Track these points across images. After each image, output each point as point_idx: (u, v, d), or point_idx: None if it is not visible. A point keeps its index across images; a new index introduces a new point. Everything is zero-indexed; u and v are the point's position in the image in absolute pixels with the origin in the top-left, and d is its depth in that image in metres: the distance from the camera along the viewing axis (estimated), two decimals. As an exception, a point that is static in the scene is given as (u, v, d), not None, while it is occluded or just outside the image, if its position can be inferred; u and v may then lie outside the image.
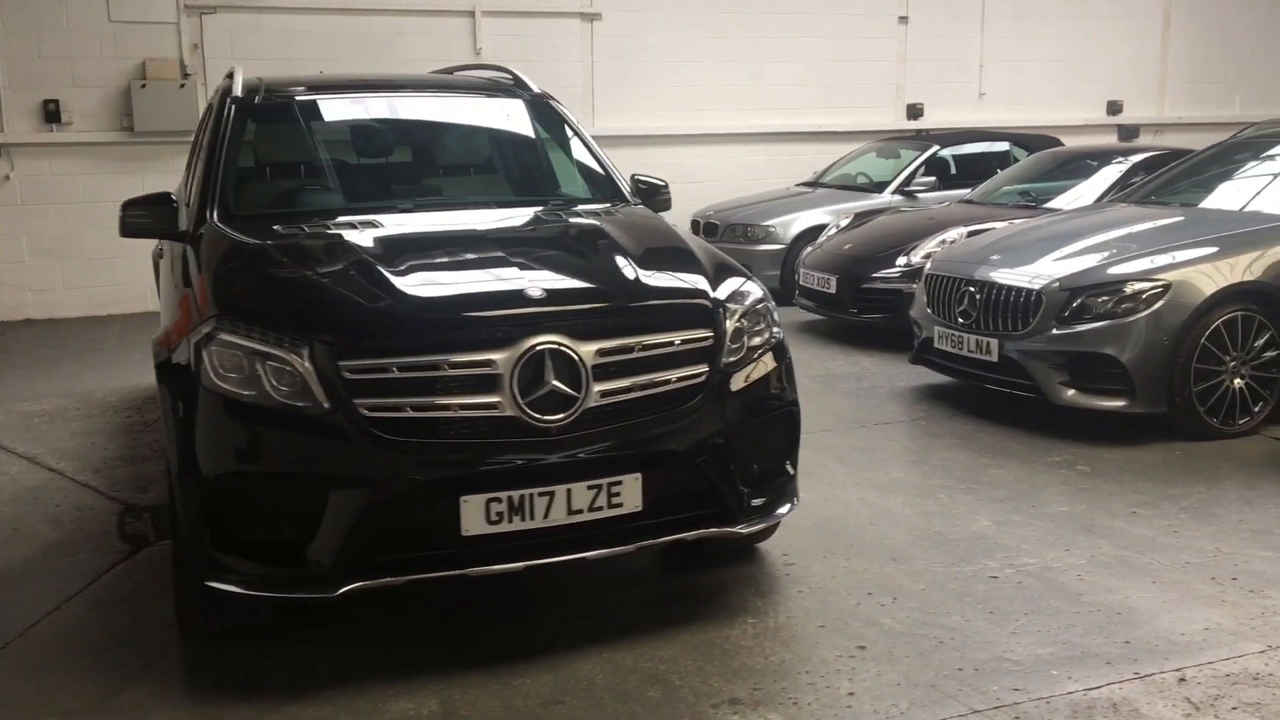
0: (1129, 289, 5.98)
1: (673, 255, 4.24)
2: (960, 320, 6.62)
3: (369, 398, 3.40)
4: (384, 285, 3.70)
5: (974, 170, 11.14)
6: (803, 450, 4.85)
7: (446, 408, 3.43)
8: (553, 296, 3.67)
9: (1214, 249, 6.15)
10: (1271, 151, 7.49)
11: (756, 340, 3.99)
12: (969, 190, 10.20)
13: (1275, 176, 7.04)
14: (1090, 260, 6.30)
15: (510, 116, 5.43)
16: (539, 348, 3.47)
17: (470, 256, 4.18)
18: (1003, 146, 11.73)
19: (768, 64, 12.87)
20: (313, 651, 3.78)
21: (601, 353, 3.57)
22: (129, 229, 4.54)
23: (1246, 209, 6.75)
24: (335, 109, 5.21)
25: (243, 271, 3.94)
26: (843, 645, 3.76)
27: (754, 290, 4.09)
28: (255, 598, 3.48)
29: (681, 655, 3.70)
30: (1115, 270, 6.11)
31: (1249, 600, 4.03)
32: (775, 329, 4.10)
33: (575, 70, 12.11)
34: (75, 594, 4.30)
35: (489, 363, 3.44)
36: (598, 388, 3.55)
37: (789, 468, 4.11)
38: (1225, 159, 7.64)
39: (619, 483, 3.58)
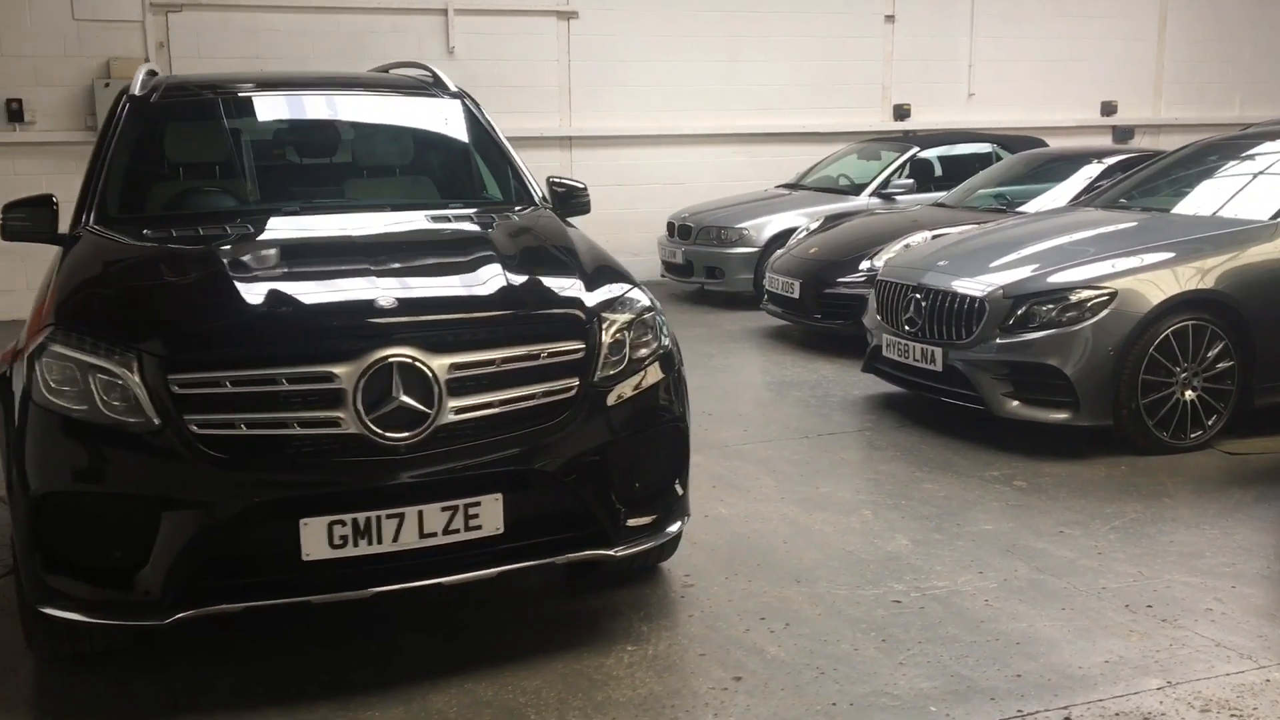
0: (1073, 297, 5.75)
1: (554, 263, 4.04)
2: (906, 328, 6.40)
3: (200, 414, 3.22)
4: (230, 294, 3.52)
5: (959, 172, 10.86)
6: (735, 461, 4.68)
7: (284, 424, 3.25)
8: (406, 307, 3.47)
9: (1167, 255, 5.91)
10: (1245, 154, 7.22)
11: (641, 352, 3.79)
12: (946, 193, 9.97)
13: (1243, 180, 6.79)
14: (1037, 267, 6.07)
15: (422, 116, 5.26)
16: (386, 360, 3.28)
17: (334, 265, 4.00)
18: (987, 148, 11.48)
19: (749, 64, 12.66)
20: (163, 679, 3.60)
21: (456, 366, 3.38)
22: (8, 233, 4.37)
23: (1209, 214, 6.51)
24: (236, 108, 5.02)
25: (92, 279, 3.75)
26: (718, 676, 3.56)
27: (639, 299, 3.89)
28: (85, 624, 3.30)
29: (546, 686, 3.51)
30: (1059, 278, 5.88)
31: (1159, 630, 3.81)
32: (664, 340, 3.90)
33: (551, 69, 11.93)
34: (-58, 611, 4.14)
35: (330, 375, 3.25)
36: (452, 403, 3.35)
37: (678, 486, 3.90)
38: (1197, 161, 7.37)
39: (477, 504, 3.38)
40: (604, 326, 3.67)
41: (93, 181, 4.49)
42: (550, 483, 3.50)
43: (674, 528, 3.88)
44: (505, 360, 3.46)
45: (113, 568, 3.26)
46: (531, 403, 3.49)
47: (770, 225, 10.54)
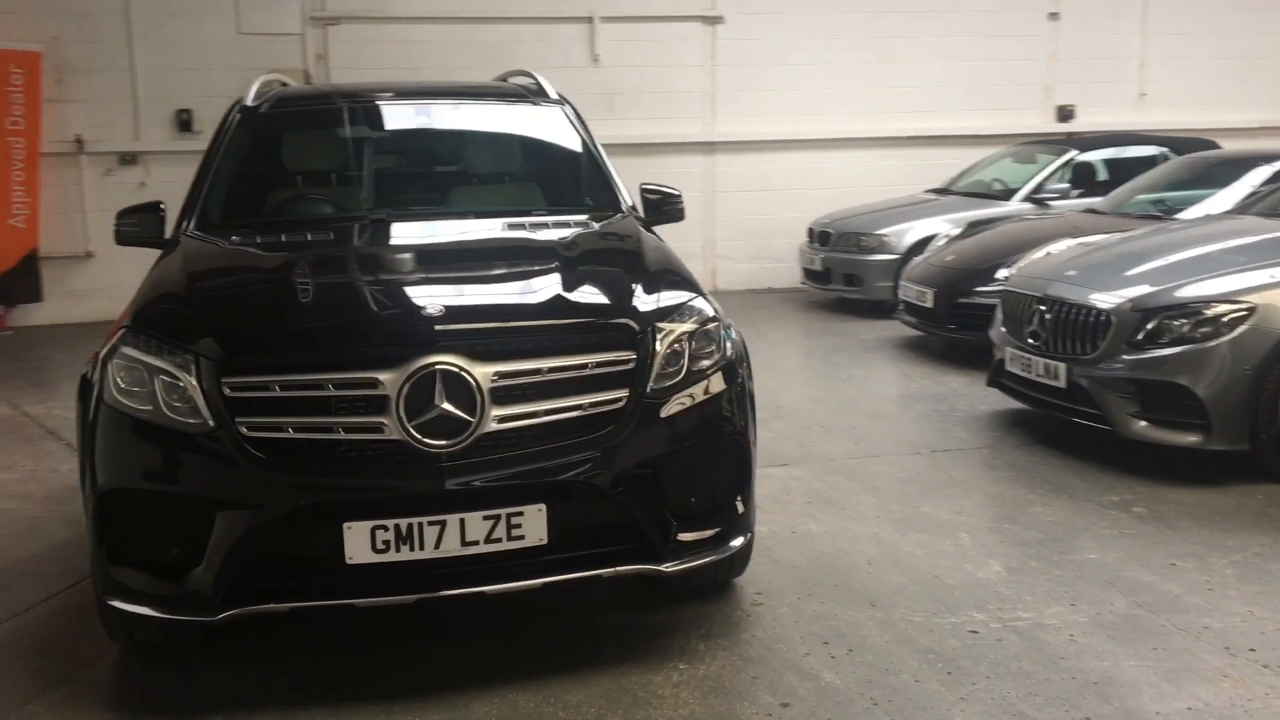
0: (1208, 311, 5.35)
1: (616, 272, 3.99)
2: (1030, 341, 6.09)
3: (250, 416, 3.29)
4: (289, 300, 3.61)
5: (1125, 177, 10.21)
6: (837, 476, 4.49)
7: (330, 429, 3.29)
8: (452, 315, 3.48)
9: (1317, 267, 5.45)
10: None
11: (702, 363, 3.70)
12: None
13: None
14: (1171, 279, 5.67)
15: (518, 123, 5.28)
16: (429, 368, 3.29)
17: (398, 273, 4.04)
18: (1155, 151, 10.83)
19: (899, 65, 12.33)
20: (228, 673, 3.70)
21: (501, 375, 3.36)
22: (121, 237, 4.61)
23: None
24: (338, 118, 5.15)
25: (171, 284, 3.89)
26: (765, 702, 3.43)
27: (702, 309, 3.81)
28: (145, 618, 3.42)
29: (587, 701, 3.45)
30: (1192, 290, 5.48)
31: (1257, 677, 3.49)
32: (727, 351, 3.80)
33: (695, 75, 11.89)
34: (48, 598, 4.38)
35: (374, 382, 3.28)
36: (496, 412, 3.34)
37: (738, 502, 3.79)
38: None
39: (520, 514, 3.36)
40: (659, 336, 3.60)
41: (198, 188, 4.69)
42: (596, 495, 3.45)
43: (735, 544, 3.78)
44: (552, 370, 3.42)
45: (170, 564, 3.37)
46: (579, 413, 3.45)
47: (912, 231, 10.22)
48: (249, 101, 5.11)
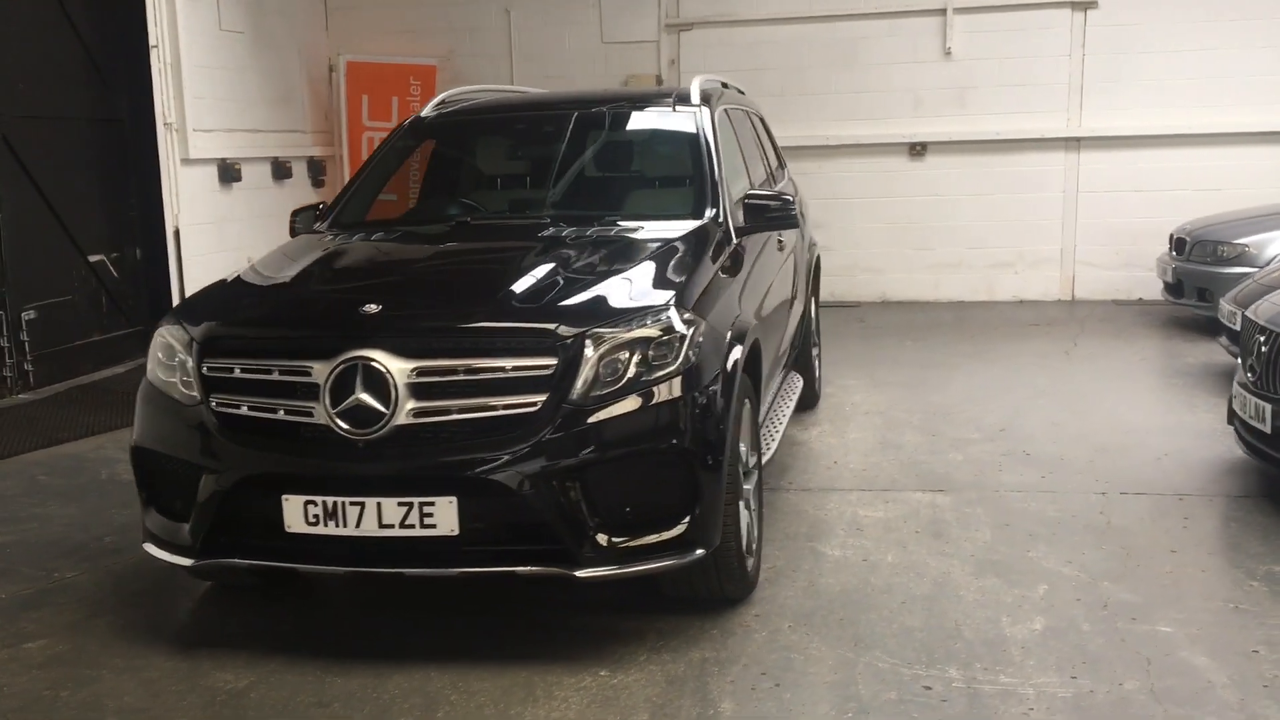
0: None
1: (587, 279, 4.04)
2: (1249, 375, 5.19)
3: (220, 394, 3.80)
4: (275, 293, 4.09)
5: None
6: (979, 509, 4.43)
7: (274, 409, 3.71)
8: (385, 313, 3.76)
9: None
10: None
11: (655, 374, 3.68)
12: None
13: None
14: None
15: (639, 131, 5.37)
16: (352, 361, 3.60)
17: (384, 275, 4.43)
18: None
19: (1312, 47, 10.58)
20: (286, 620, 4.25)
21: (420, 372, 3.59)
22: (293, 231, 5.34)
23: None
24: (482, 128, 5.58)
25: (232, 273, 4.50)
26: None
27: (666, 318, 3.76)
28: (157, 556, 4.03)
29: (487, 690, 3.60)
30: None
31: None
32: (682, 362, 3.72)
33: (1059, 66, 10.98)
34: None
35: (308, 370, 3.66)
36: (411, 405, 3.58)
37: (686, 517, 3.72)
38: None
39: (431, 504, 3.58)
40: (594, 344, 3.63)
41: (347, 188, 5.32)
42: (506, 493, 3.57)
43: (680, 559, 3.72)
44: (469, 371, 3.60)
45: (175, 514, 3.96)
46: (493, 414, 3.59)
47: (1277, 243, 8.83)
48: (424, 113, 5.65)
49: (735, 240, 4.77)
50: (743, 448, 4.17)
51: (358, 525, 3.62)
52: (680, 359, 3.74)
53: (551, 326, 3.67)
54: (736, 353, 4.01)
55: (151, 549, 4.04)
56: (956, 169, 11.28)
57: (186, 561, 3.89)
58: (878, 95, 11.34)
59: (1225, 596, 4.15)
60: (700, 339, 3.82)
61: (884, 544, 4.77)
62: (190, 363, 3.88)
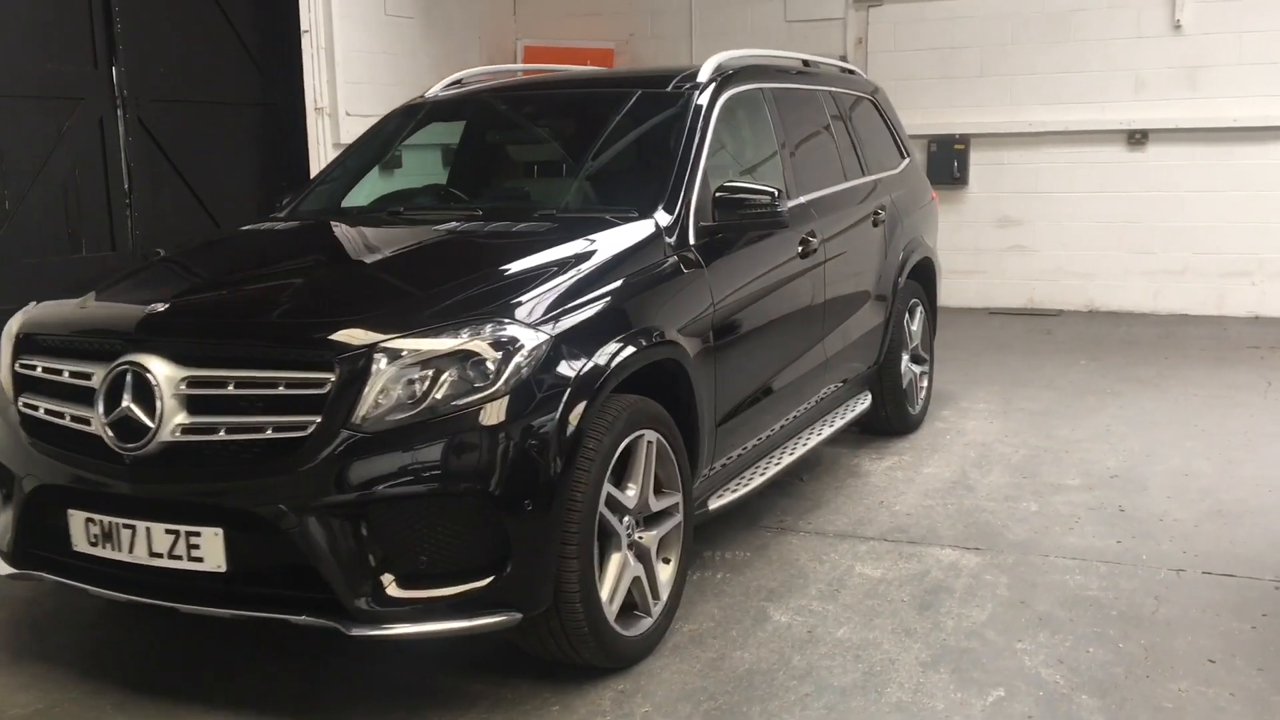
0: None
1: (430, 284, 3.45)
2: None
3: (26, 394, 3.49)
4: (112, 289, 3.73)
5: None
6: (1005, 575, 4.24)
7: (62, 415, 3.36)
8: (170, 314, 3.32)
9: None
10: None
11: (465, 399, 3.06)
12: None
13: None
14: None
15: (622, 114, 4.63)
16: (123, 365, 3.19)
17: (240, 273, 3.97)
18: None
19: None
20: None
21: (191, 382, 3.13)
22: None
23: None
24: (473, 111, 5.08)
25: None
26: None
27: (492, 333, 3.12)
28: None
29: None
30: None
31: None
32: (502, 386, 3.07)
33: (1317, 40, 9.21)
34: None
35: (88, 374, 3.28)
36: (177, 420, 3.12)
37: (499, 571, 3.07)
38: None
39: (198, 534, 3.13)
40: (388, 359, 3.05)
41: (323, 175, 4.96)
42: (269, 530, 3.06)
43: (488, 620, 3.08)
44: (239, 384, 3.11)
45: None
46: (262, 435, 3.08)
47: None
48: (427, 94, 5.21)
49: (693, 242, 4.03)
50: (630, 491, 3.46)
51: (130, 551, 3.21)
52: (500, 382, 3.09)
53: (332, 336, 3.11)
54: (610, 376, 3.30)
55: (-10, 561, 3.80)
56: (1184, 161, 9.70)
57: (6, 570, 3.62)
58: (1092, 75, 9.91)
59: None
60: (540, 358, 3.16)
61: (850, 613, 3.90)
62: (6, 358, 3.60)
